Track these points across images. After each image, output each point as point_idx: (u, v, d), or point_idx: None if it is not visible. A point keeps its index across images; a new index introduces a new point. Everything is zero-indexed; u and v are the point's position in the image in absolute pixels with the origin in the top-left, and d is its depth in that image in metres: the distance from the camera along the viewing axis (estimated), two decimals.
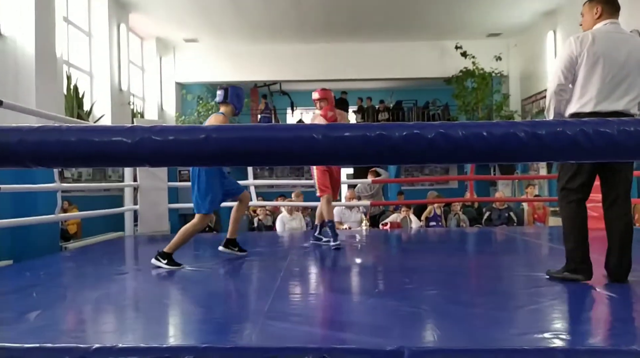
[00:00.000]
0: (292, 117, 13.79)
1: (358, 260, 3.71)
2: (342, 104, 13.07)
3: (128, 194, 5.73)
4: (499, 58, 10.32)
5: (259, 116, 12.48)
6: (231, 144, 0.75)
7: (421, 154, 0.73)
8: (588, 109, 2.50)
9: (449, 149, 0.72)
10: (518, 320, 2.11)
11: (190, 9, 9.21)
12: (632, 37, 2.60)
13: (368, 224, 6.55)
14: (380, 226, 6.83)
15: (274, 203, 8.16)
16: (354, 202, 6.98)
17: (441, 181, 11.17)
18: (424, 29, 10.40)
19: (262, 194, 10.63)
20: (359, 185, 7.54)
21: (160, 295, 2.68)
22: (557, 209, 8.32)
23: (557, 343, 1.75)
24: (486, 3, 9.00)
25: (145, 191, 5.53)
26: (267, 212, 8.18)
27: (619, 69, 2.47)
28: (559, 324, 2.08)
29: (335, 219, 6.81)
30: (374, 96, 13.16)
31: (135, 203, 5.68)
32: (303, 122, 13.35)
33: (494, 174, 10.91)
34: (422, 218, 7.47)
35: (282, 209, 7.19)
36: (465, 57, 10.19)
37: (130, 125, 0.79)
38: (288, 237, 5.79)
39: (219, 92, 3.56)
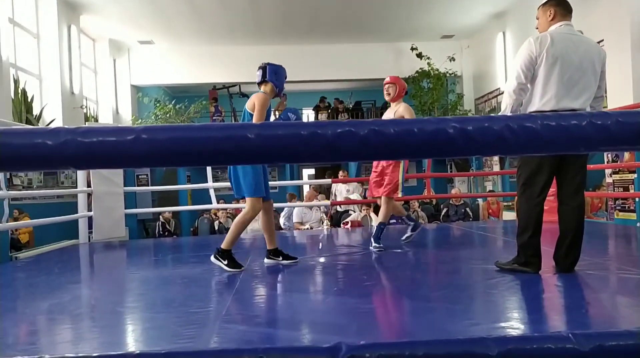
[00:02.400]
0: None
1: (318, 259, 3.73)
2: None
3: (82, 201, 5.54)
4: (452, 59, 10.61)
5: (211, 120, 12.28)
6: (162, 144, 0.74)
7: (354, 151, 0.75)
8: (548, 107, 2.57)
9: (381, 146, 0.74)
10: (471, 311, 2.19)
11: (144, 10, 9.00)
12: (586, 39, 2.69)
13: (329, 223, 6.60)
14: (342, 225, 6.89)
15: (235, 205, 8.07)
16: (315, 202, 7.01)
17: None
18: (381, 31, 10.57)
19: (223, 197, 10.51)
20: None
21: (114, 303, 2.61)
22: (511, 204, 8.64)
23: (504, 331, 1.83)
24: (439, 6, 9.23)
25: (100, 197, 5.37)
26: (228, 214, 8.11)
27: (575, 69, 2.55)
28: (509, 314, 2.17)
29: (296, 219, 6.84)
30: (332, 96, 13.24)
31: (90, 210, 5.50)
32: None
33: (451, 172, 11.19)
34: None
35: None
36: (421, 59, 10.42)
37: (54, 127, 0.77)
38: (250, 239, 5.75)
39: (257, 73, 3.35)
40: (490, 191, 9.87)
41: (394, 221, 5.78)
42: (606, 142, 0.75)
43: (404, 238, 4.33)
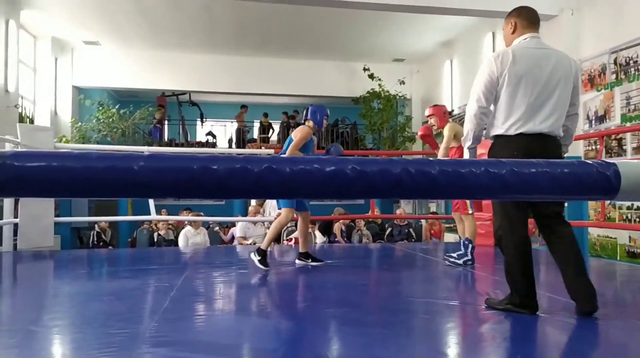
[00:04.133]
0: (201, 129, 13.44)
1: (256, 278, 3.65)
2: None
3: (7, 206, 5.19)
4: (402, 82, 10.90)
5: (150, 127, 11.82)
6: (32, 173, 0.67)
7: (247, 188, 0.71)
8: (513, 131, 2.34)
9: (276, 184, 0.71)
10: (406, 338, 2.19)
11: (91, 10, 8.68)
12: (555, 52, 2.41)
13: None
14: (285, 241, 6.83)
15: (177, 217, 7.85)
16: (259, 217, 6.92)
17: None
18: (335, 50, 10.72)
19: (166, 207, 10.17)
20: None
21: (29, 320, 2.42)
22: (452, 226, 8.88)
23: None
24: (392, 30, 9.49)
25: (27, 203, 5.04)
26: (169, 226, 7.85)
27: (542, 87, 2.31)
28: (438, 340, 2.19)
29: (239, 234, 6.72)
30: (283, 110, 13.20)
31: (17, 216, 5.15)
32: (212, 134, 13.06)
33: None
34: (337, 232, 7.66)
35: (187, 223, 6.95)
36: (372, 79, 10.63)
37: None
38: (189, 253, 5.58)
39: (304, 112, 4.18)
40: (433, 212, 10.13)
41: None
42: (500, 191, 0.76)
43: (451, 259, 4.17)
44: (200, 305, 2.85)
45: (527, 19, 2.45)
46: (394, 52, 10.83)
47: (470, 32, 9.15)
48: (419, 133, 4.45)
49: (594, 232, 5.89)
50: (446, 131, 4.16)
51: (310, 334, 2.22)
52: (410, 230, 8.18)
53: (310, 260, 4.13)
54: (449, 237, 8.37)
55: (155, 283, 3.47)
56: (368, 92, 10.89)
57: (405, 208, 10.55)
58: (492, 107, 2.44)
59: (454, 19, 8.35)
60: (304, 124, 4.13)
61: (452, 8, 6.66)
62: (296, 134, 3.97)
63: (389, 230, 8.20)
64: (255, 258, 3.85)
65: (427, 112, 4.38)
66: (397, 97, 10.99)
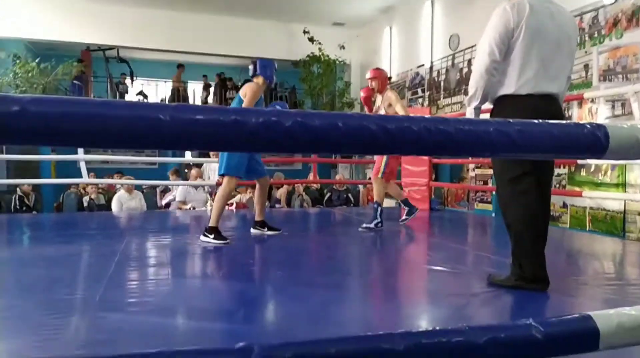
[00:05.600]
0: (132, 88, 12.71)
1: (201, 242, 3.61)
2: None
3: None
4: (342, 47, 10.85)
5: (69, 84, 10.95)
6: (54, 120, 0.61)
7: (278, 142, 0.70)
8: (525, 90, 2.14)
9: (305, 139, 0.70)
10: (357, 299, 2.28)
11: None
12: (563, 10, 2.25)
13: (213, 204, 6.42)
14: (226, 206, 6.75)
15: (110, 180, 7.50)
16: (199, 181, 6.77)
17: (287, 163, 11.46)
18: (274, 10, 10.42)
19: (94, 170, 9.66)
20: None
21: None
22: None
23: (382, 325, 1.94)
24: None
25: None
26: (100, 190, 7.49)
27: (554, 44, 2.15)
28: (388, 305, 2.31)
29: (179, 198, 6.55)
30: (219, 72, 12.79)
31: None
32: (144, 93, 12.42)
33: (335, 158, 11.55)
34: (282, 198, 7.70)
35: (120, 187, 6.66)
36: (312, 43, 10.50)
37: None
38: (126, 218, 5.39)
39: (250, 68, 3.75)
40: (370, 178, 10.39)
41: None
42: (507, 149, 0.81)
43: (401, 220, 4.64)
44: (149, 269, 2.79)
45: None
46: (335, 15, 10.72)
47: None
48: (362, 94, 4.50)
49: None
50: (394, 97, 4.22)
51: (266, 297, 2.25)
52: (349, 195, 8.36)
53: (266, 229, 3.94)
54: (386, 202, 8.65)
55: (95, 248, 3.34)
56: (308, 56, 10.76)
57: (343, 173, 10.73)
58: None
59: None
60: (251, 80, 3.71)
61: None
62: (245, 93, 3.56)
63: (328, 195, 8.33)
64: (209, 238, 3.44)
65: (368, 75, 4.41)
66: (337, 62, 10.96)
